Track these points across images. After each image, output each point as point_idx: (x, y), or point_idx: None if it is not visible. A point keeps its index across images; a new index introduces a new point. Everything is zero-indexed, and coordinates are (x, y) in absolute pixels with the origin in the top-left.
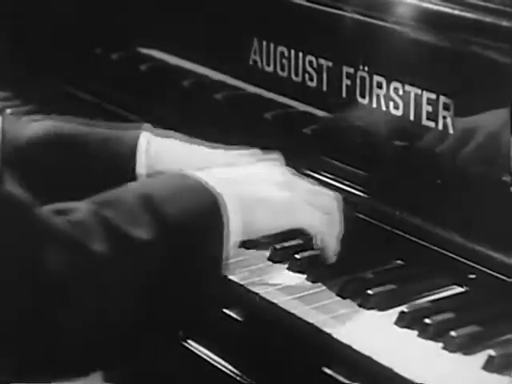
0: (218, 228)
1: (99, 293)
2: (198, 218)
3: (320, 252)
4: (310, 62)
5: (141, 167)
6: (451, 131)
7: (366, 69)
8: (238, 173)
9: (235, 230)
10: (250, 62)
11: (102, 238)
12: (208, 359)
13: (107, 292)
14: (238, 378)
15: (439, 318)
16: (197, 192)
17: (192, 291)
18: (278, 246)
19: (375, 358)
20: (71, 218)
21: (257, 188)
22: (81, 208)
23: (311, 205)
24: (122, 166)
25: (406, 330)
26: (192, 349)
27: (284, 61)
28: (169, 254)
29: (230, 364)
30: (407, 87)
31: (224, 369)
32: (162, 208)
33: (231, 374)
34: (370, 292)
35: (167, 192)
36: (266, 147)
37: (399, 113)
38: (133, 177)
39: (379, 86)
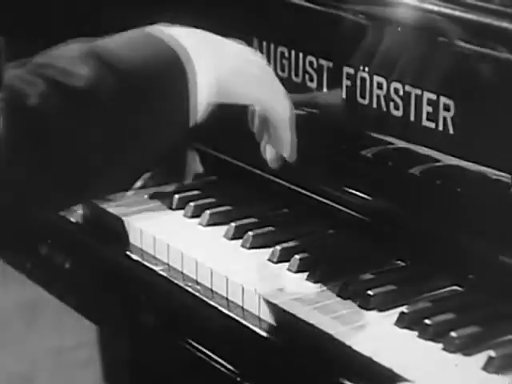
0: (178, 79)
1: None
2: (152, 65)
3: (274, 147)
4: (310, 63)
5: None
6: (451, 132)
7: (367, 69)
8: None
9: (206, 86)
10: None
11: (42, 88)
12: (208, 359)
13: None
14: (238, 379)
15: (439, 318)
16: (156, 44)
17: (149, 135)
18: (278, 247)
19: (375, 358)
20: (10, 75)
21: (235, 52)
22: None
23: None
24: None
25: (406, 331)
26: (192, 349)
27: (284, 61)
28: (116, 101)
29: (230, 364)
30: (407, 88)
31: (223, 369)
32: (110, 56)
33: (231, 374)
34: (370, 292)
35: (122, 42)
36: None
37: (399, 113)
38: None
39: (379, 87)
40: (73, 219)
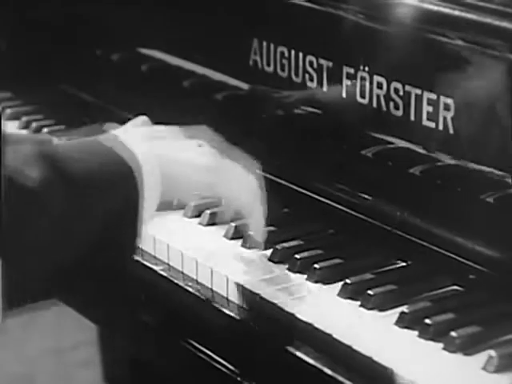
0: (128, 183)
1: None
2: (103, 172)
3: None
4: (310, 63)
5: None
6: (451, 131)
7: (367, 69)
8: (159, 132)
9: (152, 186)
10: (250, 62)
11: None
12: (208, 359)
13: None
14: (238, 378)
15: (439, 318)
16: (106, 150)
17: (92, 238)
18: (278, 247)
19: (376, 358)
20: None
21: (179, 152)
22: None
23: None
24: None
25: (406, 331)
26: (192, 349)
27: (284, 61)
28: (62, 206)
29: (230, 364)
30: (407, 88)
31: (224, 368)
32: (63, 163)
33: (231, 373)
34: (370, 292)
35: (75, 148)
36: (265, 148)
37: (399, 113)
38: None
39: (379, 87)
40: None
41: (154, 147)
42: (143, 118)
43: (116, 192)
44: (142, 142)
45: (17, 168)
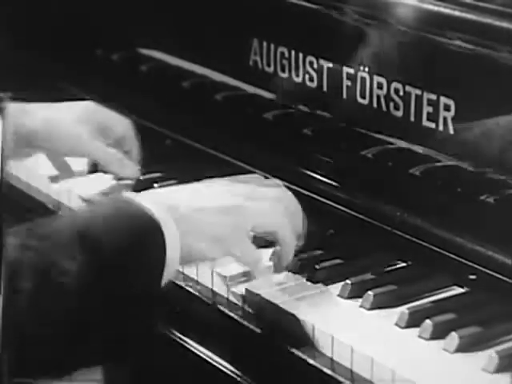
0: (154, 256)
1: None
2: (133, 246)
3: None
4: (310, 63)
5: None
6: (451, 132)
7: (367, 69)
8: (182, 197)
9: (173, 256)
10: (250, 63)
11: (28, 273)
12: (208, 359)
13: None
14: (238, 379)
15: (440, 318)
16: (134, 219)
17: (124, 317)
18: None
19: (376, 358)
20: None
21: (198, 216)
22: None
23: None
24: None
25: (406, 331)
26: (191, 348)
27: (284, 61)
28: (101, 284)
29: (230, 364)
30: (407, 88)
31: (224, 368)
32: (95, 239)
33: (231, 373)
34: (370, 293)
35: (104, 220)
36: (265, 148)
37: (399, 113)
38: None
39: (379, 87)
40: None
41: (168, 199)
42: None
43: (145, 257)
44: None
45: (54, 262)
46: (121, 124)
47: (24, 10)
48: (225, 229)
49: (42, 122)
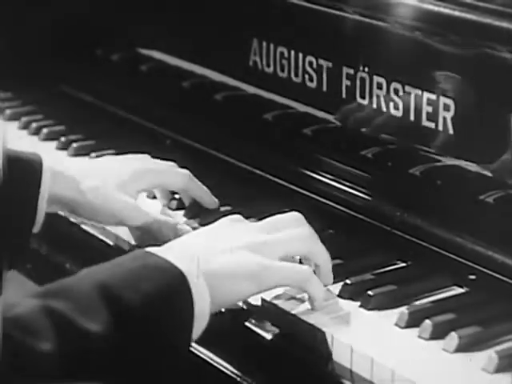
0: (183, 312)
1: None
2: (160, 303)
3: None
4: (310, 63)
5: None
6: (451, 132)
7: (366, 69)
8: (201, 243)
9: (204, 307)
10: (250, 63)
11: (50, 334)
12: (209, 360)
13: None
14: (238, 379)
15: (440, 318)
16: (159, 274)
17: (151, 375)
18: None
19: (376, 358)
20: (11, 315)
21: (225, 259)
22: (25, 302)
23: (285, 258)
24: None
25: (406, 331)
26: (193, 350)
27: (284, 61)
28: (125, 344)
29: (232, 365)
30: (407, 88)
31: (225, 370)
32: (120, 296)
33: (232, 375)
34: (370, 293)
35: (127, 276)
36: (265, 148)
37: (399, 113)
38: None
39: (379, 87)
40: None
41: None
42: (144, 155)
43: (171, 316)
44: (183, 258)
45: (75, 323)
46: (176, 179)
47: (24, 10)
48: (256, 266)
49: (83, 193)
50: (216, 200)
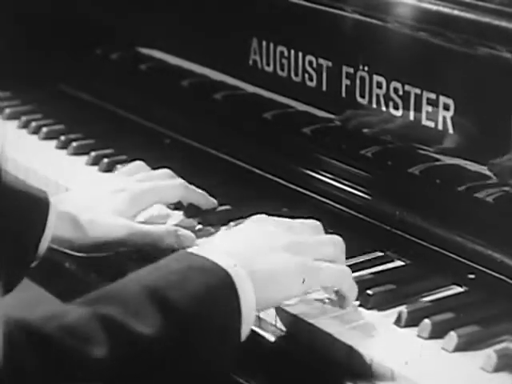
0: (230, 313)
1: None
2: (208, 304)
3: (339, 302)
4: (310, 62)
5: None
6: (451, 131)
7: (366, 69)
8: (242, 243)
9: (250, 307)
10: (250, 62)
11: (102, 339)
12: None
13: None
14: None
15: (439, 318)
16: (205, 275)
17: (203, 375)
18: None
19: (375, 358)
20: (63, 323)
21: (267, 259)
22: (74, 310)
23: (322, 259)
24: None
25: (405, 330)
26: None
27: (284, 61)
28: (177, 345)
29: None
30: (407, 87)
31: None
32: (168, 298)
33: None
34: (369, 292)
35: (174, 277)
36: (265, 147)
37: (399, 113)
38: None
39: (379, 86)
40: None
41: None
42: (139, 163)
43: (220, 315)
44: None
45: (128, 319)
46: (172, 193)
47: (24, 10)
48: (300, 266)
49: (83, 229)
50: (214, 200)
